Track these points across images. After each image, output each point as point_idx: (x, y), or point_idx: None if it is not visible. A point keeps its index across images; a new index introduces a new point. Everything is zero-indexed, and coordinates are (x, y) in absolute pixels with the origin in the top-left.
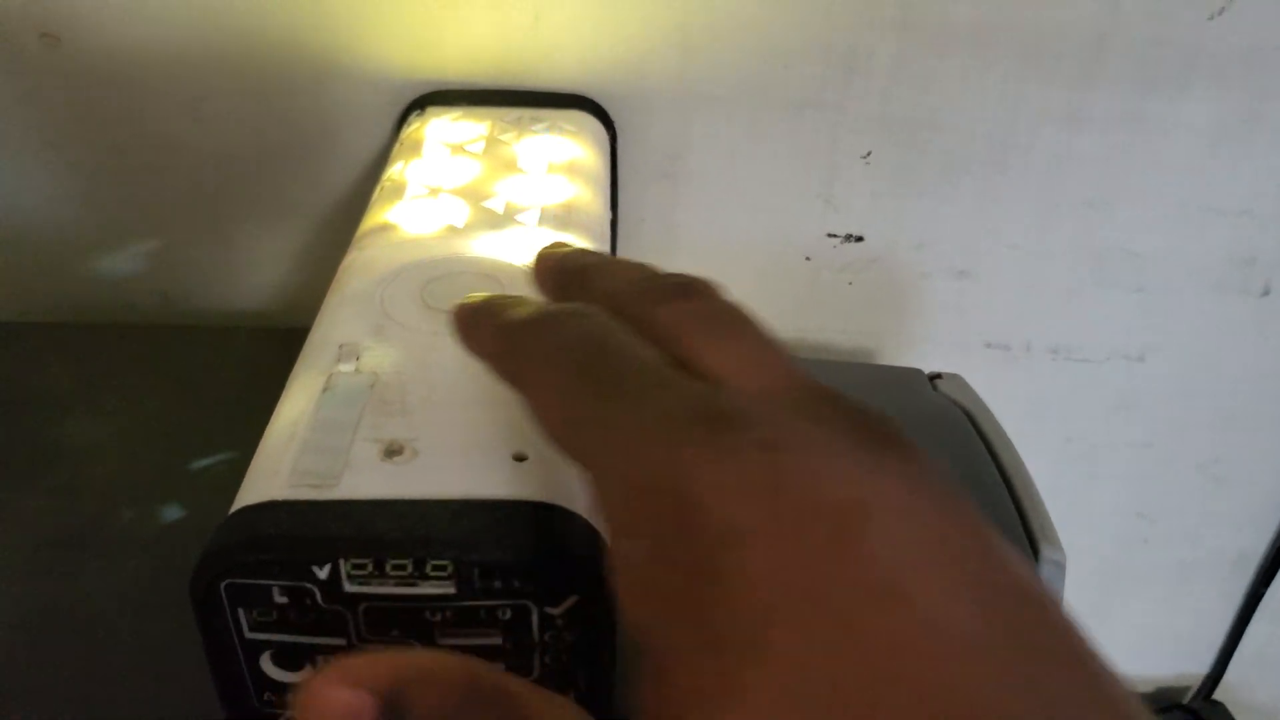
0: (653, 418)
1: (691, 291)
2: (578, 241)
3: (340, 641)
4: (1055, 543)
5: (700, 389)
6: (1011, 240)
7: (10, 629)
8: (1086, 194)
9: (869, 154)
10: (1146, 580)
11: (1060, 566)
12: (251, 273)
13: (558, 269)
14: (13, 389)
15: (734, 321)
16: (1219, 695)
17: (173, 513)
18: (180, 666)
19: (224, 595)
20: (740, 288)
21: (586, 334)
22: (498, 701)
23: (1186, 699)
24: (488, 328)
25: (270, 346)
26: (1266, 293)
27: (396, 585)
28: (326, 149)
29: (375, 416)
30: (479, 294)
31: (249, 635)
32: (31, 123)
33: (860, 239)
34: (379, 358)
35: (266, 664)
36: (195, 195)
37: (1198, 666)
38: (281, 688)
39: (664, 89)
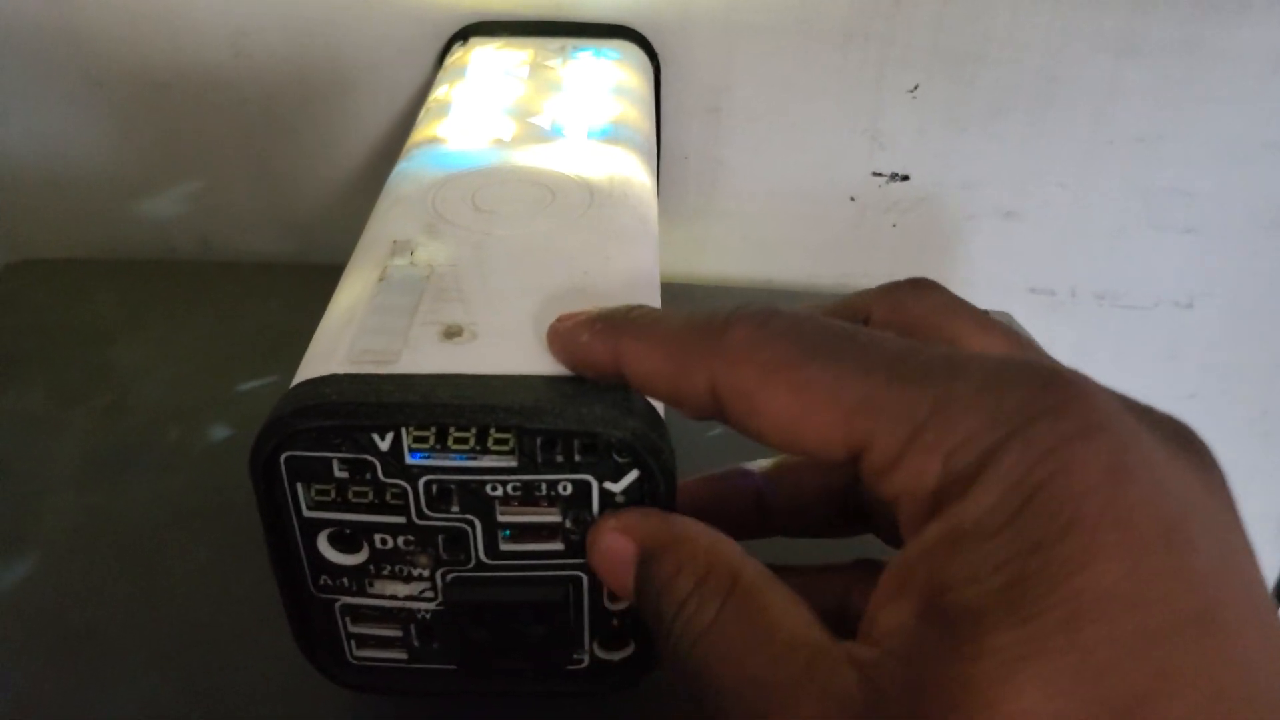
0: (983, 388)
1: (930, 285)
2: (627, 156)
3: (399, 520)
4: None
5: (1019, 359)
6: (1060, 179)
7: (60, 534)
8: (1138, 129)
9: (916, 88)
10: None
11: None
12: (293, 213)
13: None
14: (60, 318)
15: (979, 312)
16: None
17: (219, 432)
18: (224, 577)
19: (284, 469)
20: (784, 230)
21: (817, 325)
22: (728, 589)
23: None
24: (637, 344)
25: (312, 280)
26: None
27: (458, 458)
28: (368, 84)
29: (432, 304)
30: (588, 311)
31: (307, 514)
32: (74, 60)
33: (906, 178)
34: (433, 252)
35: (324, 545)
36: (237, 134)
37: None
38: (338, 571)
39: (708, 19)
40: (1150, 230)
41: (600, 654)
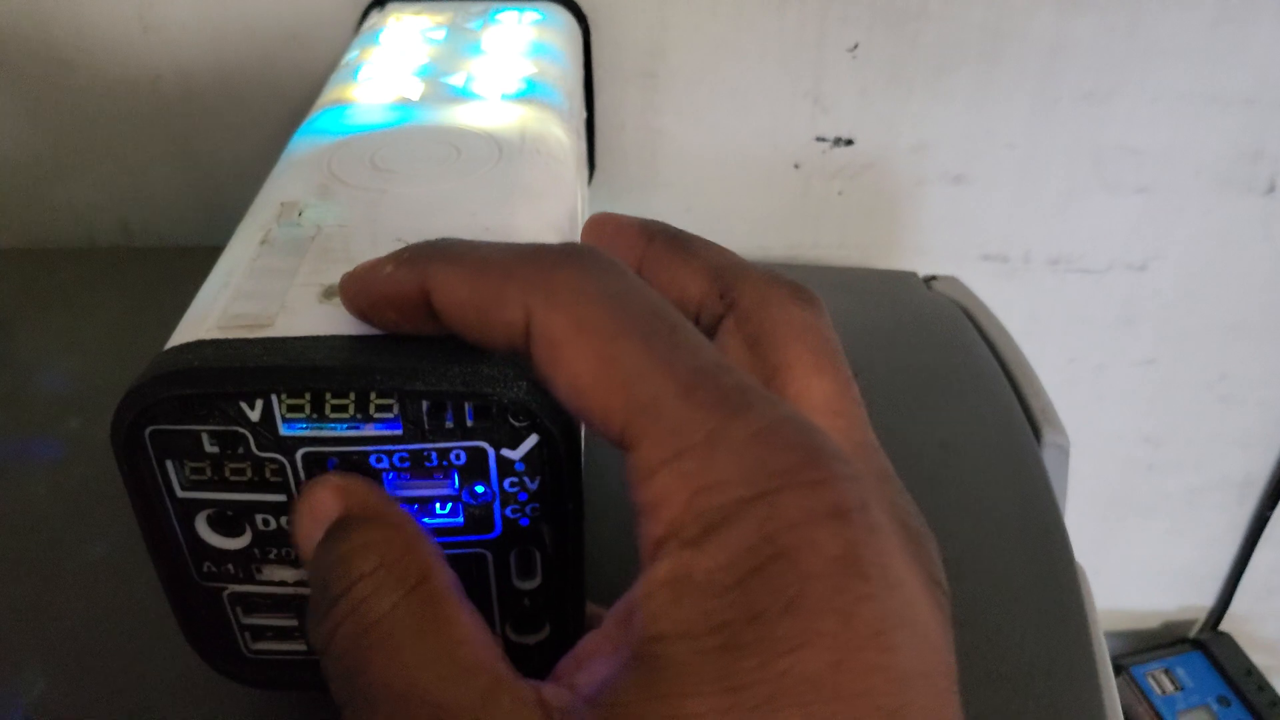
0: (760, 436)
1: (814, 301)
2: (548, 114)
3: (280, 498)
4: (1058, 426)
5: (803, 422)
6: (1009, 139)
7: None
8: (1085, 85)
9: (856, 46)
10: (1152, 509)
11: (1064, 450)
12: (216, 194)
13: (645, 229)
14: None
15: (838, 354)
16: (1225, 626)
17: None
18: (123, 571)
19: (149, 444)
20: (728, 201)
21: (652, 301)
22: (412, 584)
23: (1193, 632)
24: (451, 270)
25: None
26: (1272, 189)
27: (338, 427)
28: (288, 57)
29: (315, 264)
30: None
31: (181, 494)
32: None
33: (850, 142)
34: (322, 213)
35: (203, 528)
36: (152, 113)
37: (1204, 598)
38: (221, 556)
39: None
40: (1101, 191)
41: (514, 638)
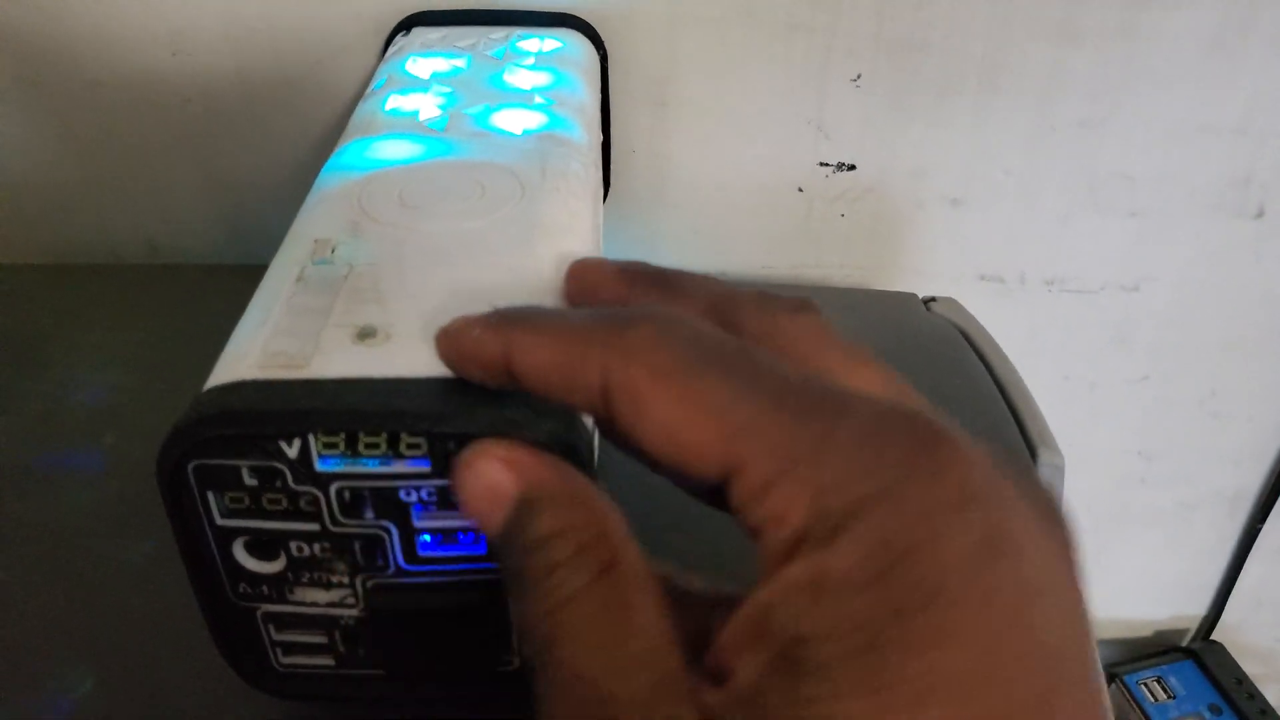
0: (865, 435)
1: (810, 306)
2: (568, 150)
3: (314, 527)
4: (1053, 446)
5: (906, 409)
6: (1005, 166)
7: None
8: (1080, 114)
9: (859, 77)
10: (1145, 522)
11: (1059, 470)
12: (240, 214)
13: (622, 274)
14: None
15: (861, 347)
16: (1217, 636)
17: (157, 438)
18: (158, 584)
19: (192, 477)
20: (734, 223)
21: (718, 336)
22: (604, 567)
23: (1185, 641)
24: (531, 338)
25: (260, 282)
26: (1261, 214)
27: (370, 463)
28: (312, 81)
29: (348, 304)
30: (476, 315)
31: (220, 522)
32: (6, 61)
33: (853, 168)
34: (353, 251)
35: (240, 552)
36: (180, 134)
37: (1196, 608)
38: (256, 579)
39: (653, 9)
40: (1095, 215)
41: None
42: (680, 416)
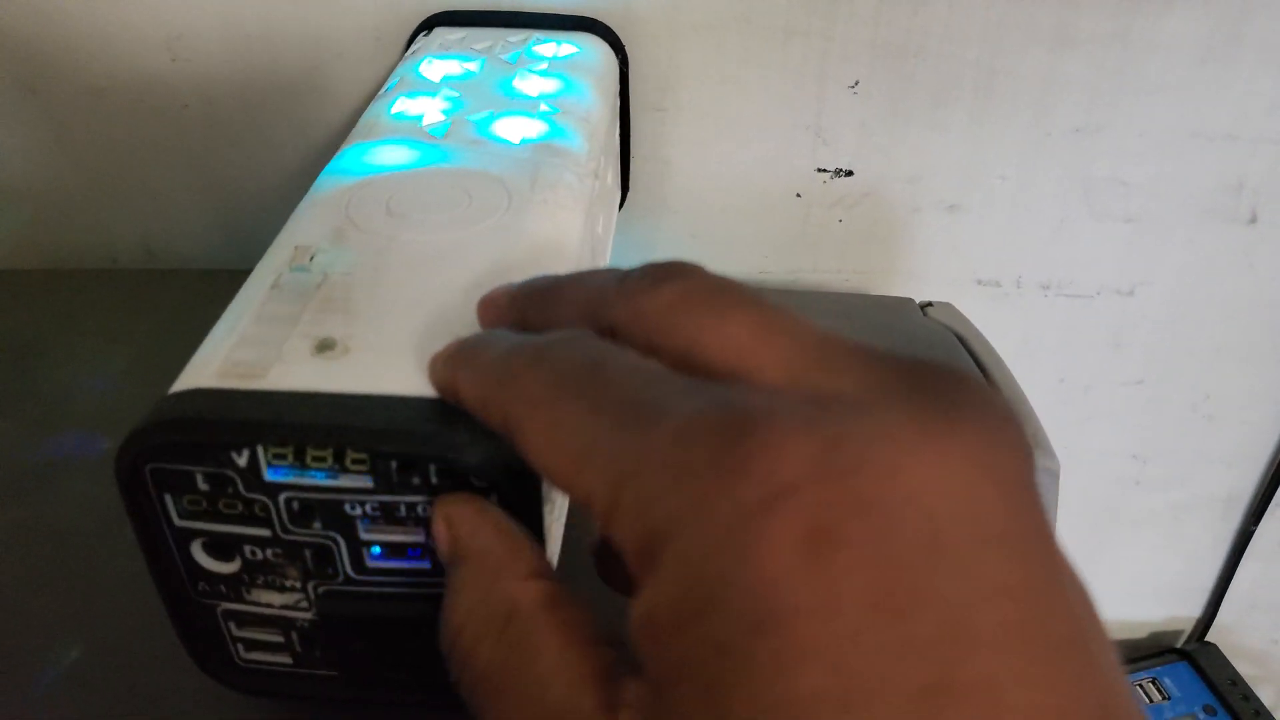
0: (677, 438)
1: (670, 274)
2: (564, 160)
3: (266, 533)
4: (1048, 450)
5: (722, 393)
6: (1001, 171)
7: None
8: (1075, 120)
9: (857, 83)
10: (1139, 523)
11: (1053, 474)
12: (238, 219)
13: (514, 300)
14: None
15: (727, 295)
16: (1212, 637)
17: None
18: (147, 580)
19: (149, 479)
20: (732, 228)
21: (576, 356)
22: (503, 623)
23: (1180, 642)
24: (464, 374)
25: None
26: (1254, 220)
27: (318, 475)
28: (310, 86)
29: (316, 314)
30: (451, 343)
31: (178, 523)
32: (5, 67)
33: (850, 173)
34: (331, 260)
35: (199, 553)
36: (178, 140)
37: (1190, 609)
38: (214, 578)
39: (651, 16)
40: (1090, 220)
41: None
42: (544, 447)
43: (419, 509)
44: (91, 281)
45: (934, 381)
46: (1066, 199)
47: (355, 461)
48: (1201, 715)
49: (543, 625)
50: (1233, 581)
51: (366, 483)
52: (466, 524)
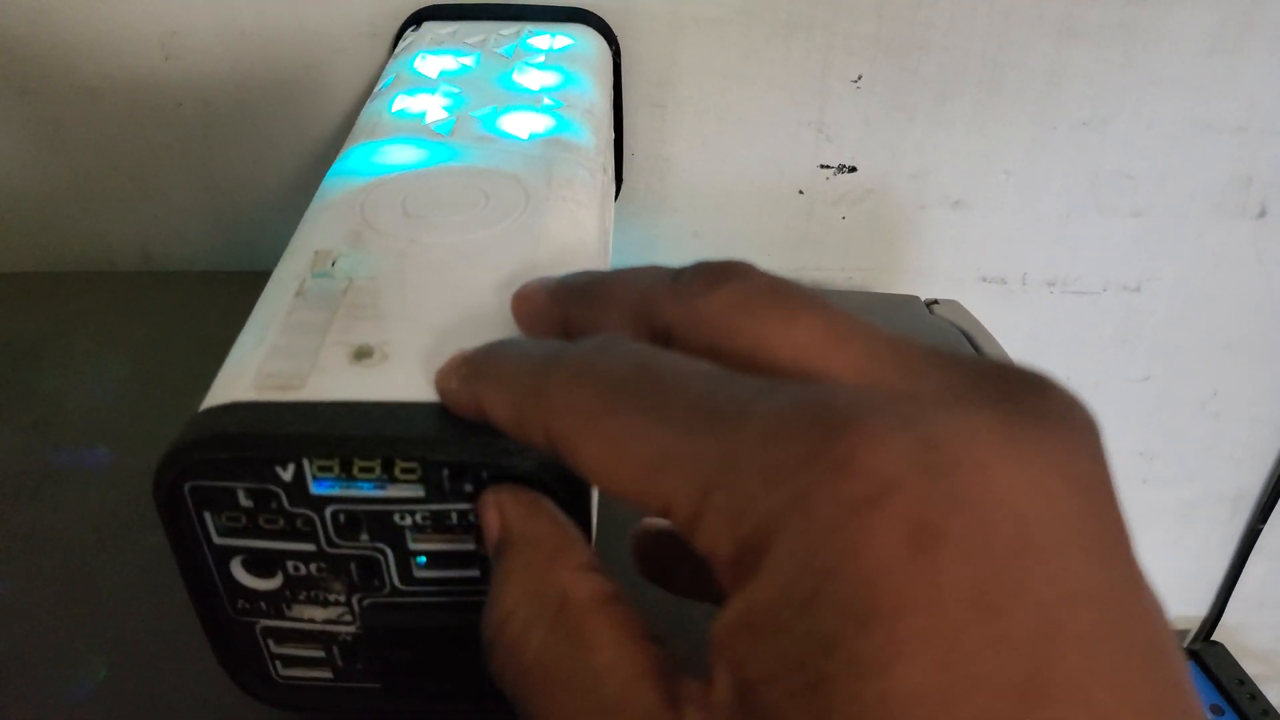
0: (767, 438)
1: (728, 274)
2: (575, 155)
3: (310, 547)
4: None
5: (805, 391)
6: (1006, 166)
7: None
8: (1082, 113)
9: (860, 78)
10: (1147, 522)
11: None
12: (236, 220)
13: (555, 296)
14: None
15: (791, 295)
16: (1218, 636)
17: (152, 446)
18: (153, 595)
19: (188, 498)
20: (734, 226)
21: (624, 364)
22: (554, 612)
23: (1186, 642)
24: (489, 391)
25: (257, 289)
26: (1263, 214)
27: (365, 486)
28: (308, 84)
29: (346, 321)
30: (461, 352)
31: (218, 540)
32: None
33: (853, 169)
34: (354, 264)
35: (237, 570)
36: (174, 140)
37: (1197, 608)
38: (254, 595)
39: (652, 10)
40: (1096, 215)
41: None
42: (608, 461)
43: (470, 517)
44: (88, 285)
45: (1016, 385)
46: (1073, 194)
47: (405, 471)
48: (1209, 715)
49: (598, 617)
50: (1240, 580)
51: (417, 492)
52: (519, 511)
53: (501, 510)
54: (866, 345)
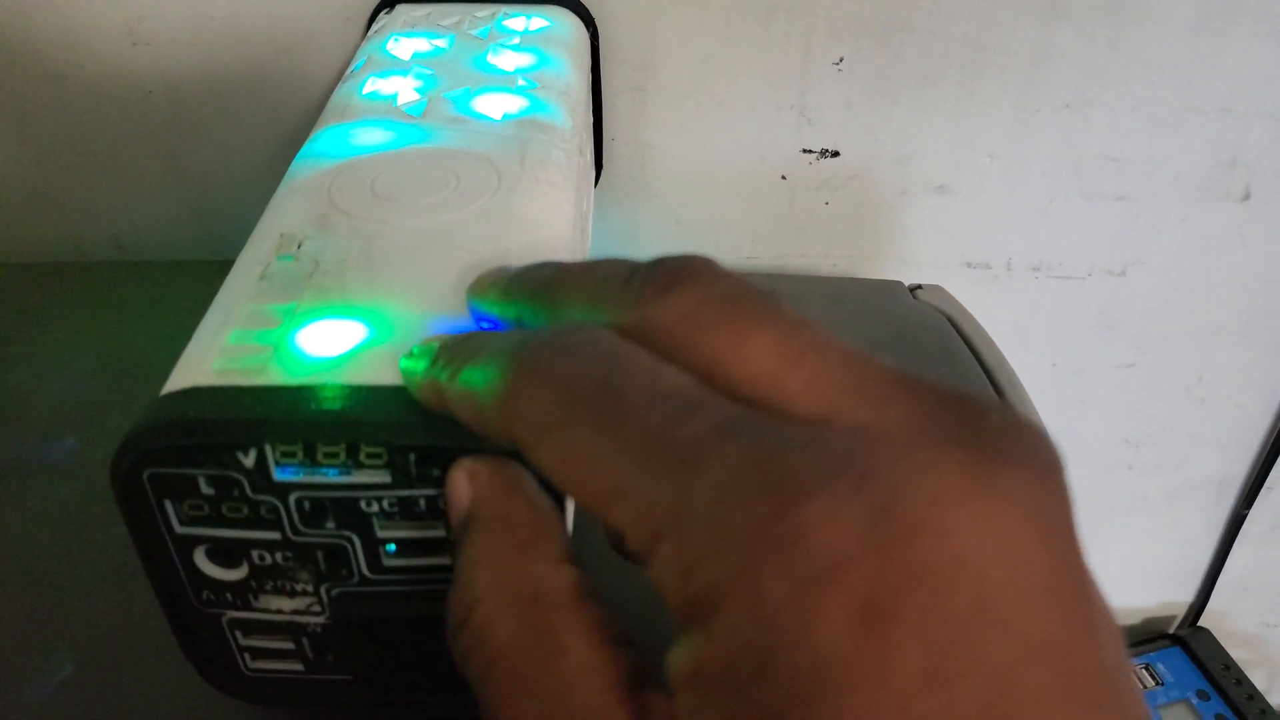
0: (719, 497)
1: (680, 278)
2: (550, 137)
3: (275, 535)
4: None
5: (761, 438)
6: (990, 150)
7: None
8: (1065, 96)
9: (842, 60)
10: (1132, 509)
11: None
12: (208, 209)
13: (508, 293)
14: None
15: (743, 306)
16: (1204, 622)
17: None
18: (123, 587)
19: (148, 486)
20: (716, 212)
21: (587, 372)
22: (526, 606)
23: (1173, 628)
24: (449, 387)
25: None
26: (1247, 197)
27: (330, 473)
28: (279, 70)
29: (312, 304)
30: (428, 341)
31: (180, 530)
32: None
33: (836, 154)
34: (320, 247)
35: (202, 561)
36: (143, 127)
37: (1183, 594)
38: (219, 586)
39: None
40: (1081, 199)
41: None
42: (562, 475)
43: (438, 502)
44: (58, 275)
45: (978, 419)
46: (1057, 178)
47: (370, 456)
48: (1195, 700)
49: (571, 616)
50: (1225, 566)
51: (384, 478)
52: (497, 486)
53: (475, 481)
54: (824, 366)
